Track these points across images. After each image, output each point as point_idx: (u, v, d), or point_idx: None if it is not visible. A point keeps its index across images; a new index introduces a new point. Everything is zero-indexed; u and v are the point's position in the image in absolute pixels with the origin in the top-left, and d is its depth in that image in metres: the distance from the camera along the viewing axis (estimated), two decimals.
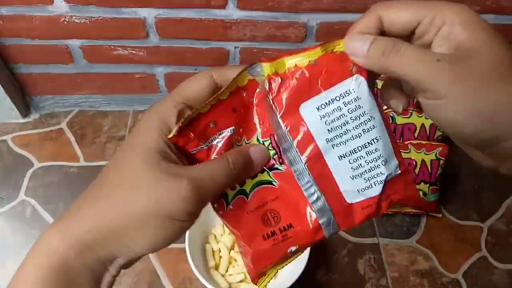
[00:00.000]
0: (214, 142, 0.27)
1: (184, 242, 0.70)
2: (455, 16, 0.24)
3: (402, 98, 0.28)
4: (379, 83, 0.30)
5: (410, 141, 0.85)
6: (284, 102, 0.27)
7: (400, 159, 0.29)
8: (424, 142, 0.84)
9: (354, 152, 0.28)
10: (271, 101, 0.28)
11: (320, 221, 0.29)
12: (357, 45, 0.26)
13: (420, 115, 0.87)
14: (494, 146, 0.24)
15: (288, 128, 0.28)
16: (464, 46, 0.23)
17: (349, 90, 0.26)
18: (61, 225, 0.25)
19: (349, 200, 0.29)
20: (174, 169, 0.25)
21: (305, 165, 0.28)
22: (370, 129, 0.27)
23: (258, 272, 0.29)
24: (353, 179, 0.28)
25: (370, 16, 0.26)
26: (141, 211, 0.24)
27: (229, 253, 0.75)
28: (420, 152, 0.83)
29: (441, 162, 0.83)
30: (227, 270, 0.74)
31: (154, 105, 0.27)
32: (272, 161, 0.29)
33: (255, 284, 0.30)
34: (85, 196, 0.26)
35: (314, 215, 0.28)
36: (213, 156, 0.27)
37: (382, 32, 0.26)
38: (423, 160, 0.83)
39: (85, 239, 0.24)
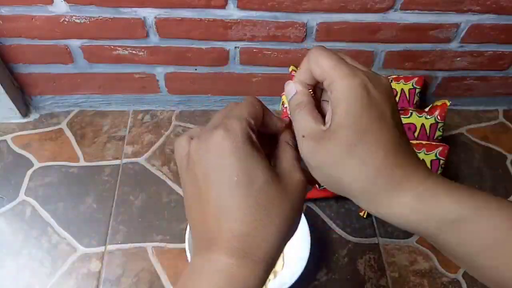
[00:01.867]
0: None
1: (184, 242, 0.70)
2: (339, 91, 0.27)
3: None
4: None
5: (410, 141, 0.84)
6: None
7: None
8: (424, 142, 0.84)
9: None
10: None
11: None
12: (288, 90, 0.31)
13: (420, 115, 0.87)
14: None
15: None
16: (334, 121, 0.27)
17: None
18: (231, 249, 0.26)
19: None
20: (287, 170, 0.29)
21: None
22: None
23: None
24: None
25: (303, 67, 0.31)
26: (285, 216, 0.27)
27: None
28: (420, 152, 0.83)
29: (441, 162, 0.83)
30: None
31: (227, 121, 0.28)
32: None
33: None
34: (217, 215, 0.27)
35: None
36: None
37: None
38: (423, 160, 0.83)
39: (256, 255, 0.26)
